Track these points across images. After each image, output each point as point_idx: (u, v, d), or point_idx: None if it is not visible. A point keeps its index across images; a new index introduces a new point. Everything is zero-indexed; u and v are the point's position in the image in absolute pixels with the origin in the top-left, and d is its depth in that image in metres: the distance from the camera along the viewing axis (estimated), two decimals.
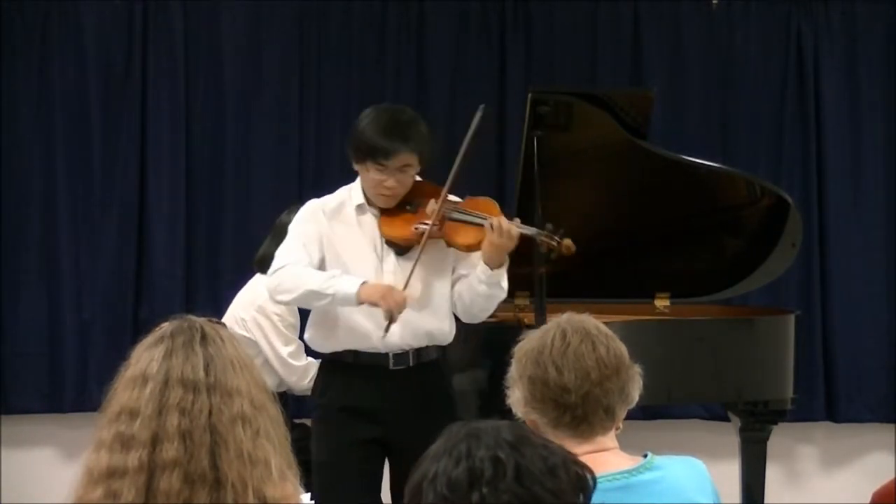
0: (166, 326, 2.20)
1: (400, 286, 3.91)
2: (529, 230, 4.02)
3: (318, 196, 4.12)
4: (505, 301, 5.11)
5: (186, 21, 5.90)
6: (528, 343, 2.42)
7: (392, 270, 3.99)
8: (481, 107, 4.10)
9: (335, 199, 4.07)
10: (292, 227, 4.06)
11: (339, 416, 3.96)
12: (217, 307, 4.72)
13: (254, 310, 4.75)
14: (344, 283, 3.88)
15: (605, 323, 2.49)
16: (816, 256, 5.99)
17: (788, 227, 5.07)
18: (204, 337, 2.16)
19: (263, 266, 4.39)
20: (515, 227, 3.93)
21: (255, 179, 5.87)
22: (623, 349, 2.42)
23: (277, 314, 4.75)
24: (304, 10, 5.96)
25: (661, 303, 5.19)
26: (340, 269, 3.96)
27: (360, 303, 3.86)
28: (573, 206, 4.97)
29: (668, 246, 5.16)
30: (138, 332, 2.31)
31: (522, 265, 4.78)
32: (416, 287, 3.94)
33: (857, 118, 6.06)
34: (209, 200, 5.90)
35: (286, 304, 4.16)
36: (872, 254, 6.03)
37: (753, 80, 6.04)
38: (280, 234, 4.22)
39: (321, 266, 3.97)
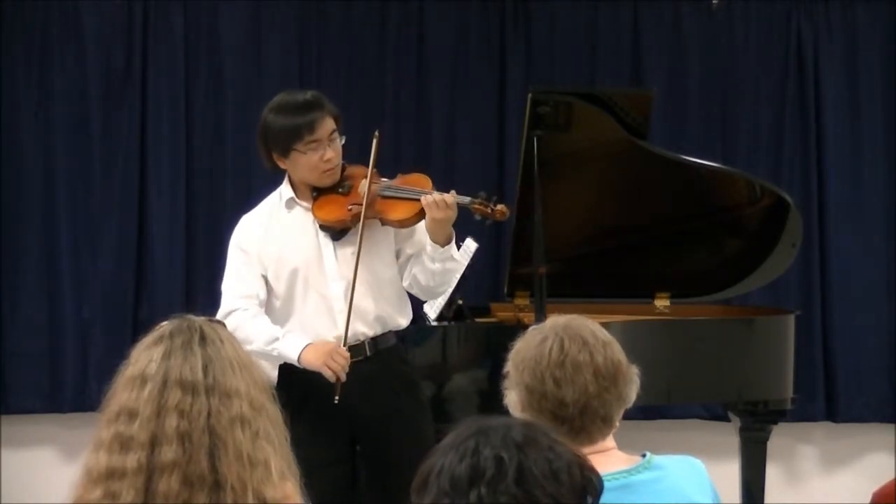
0: (165, 326, 2.20)
1: (348, 273, 3.91)
2: (463, 199, 3.97)
3: None
4: (505, 301, 5.15)
5: (186, 21, 5.89)
6: (525, 348, 2.40)
7: (333, 257, 3.99)
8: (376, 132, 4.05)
9: (266, 205, 4.11)
10: (230, 253, 4.07)
11: (301, 419, 3.78)
12: (217, 307, 4.71)
13: None
14: (287, 347, 3.90)
15: (605, 323, 2.48)
16: (816, 256, 5.98)
17: (788, 227, 5.07)
18: (203, 337, 2.16)
19: None
20: (452, 197, 3.91)
21: (255, 179, 5.84)
22: (621, 356, 2.40)
23: None
24: (304, 10, 5.95)
25: (661, 303, 5.19)
26: (286, 273, 3.97)
27: (304, 367, 3.88)
28: (573, 205, 4.98)
29: (668, 246, 5.16)
30: (138, 332, 2.30)
31: (522, 265, 4.79)
32: (363, 273, 3.94)
33: (857, 118, 6.05)
34: (209, 200, 5.89)
35: None
36: (872, 254, 6.02)
37: (753, 80, 6.04)
38: None
39: (268, 284, 4.00)
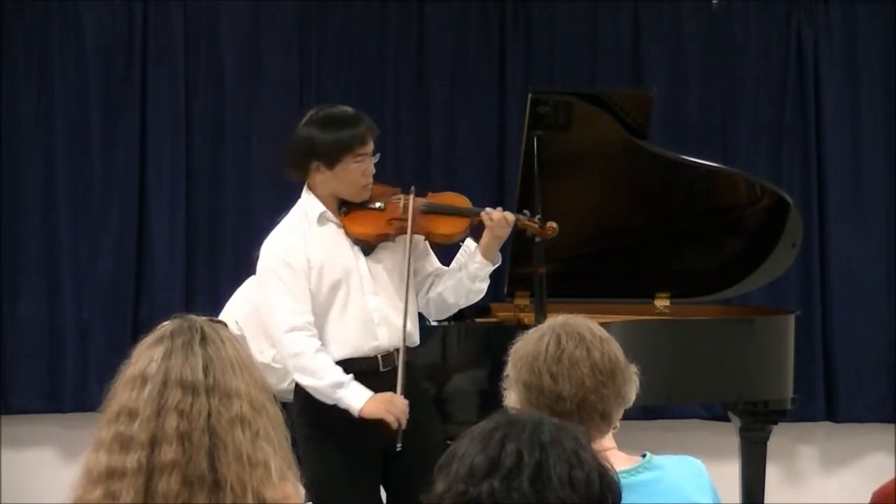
0: (167, 326, 2.19)
1: (379, 288, 3.96)
2: (514, 215, 4.08)
3: None
4: (505, 301, 5.15)
5: (186, 21, 5.89)
6: (523, 347, 2.41)
7: (367, 272, 3.99)
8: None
9: (293, 221, 4.03)
10: (273, 270, 3.94)
11: (336, 430, 3.87)
12: (217, 307, 4.70)
13: (248, 306, 4.71)
14: (350, 397, 3.86)
15: (605, 323, 2.48)
16: (816, 256, 5.99)
17: (788, 227, 5.07)
18: (204, 338, 2.16)
19: None
20: (511, 214, 4.01)
21: (255, 179, 5.86)
22: (618, 352, 2.41)
23: None
24: (304, 10, 5.95)
25: (661, 303, 5.19)
26: (327, 286, 3.93)
27: (363, 417, 3.86)
28: (573, 206, 4.97)
29: (668, 246, 5.15)
30: (138, 332, 2.30)
31: (522, 265, 4.79)
32: (401, 290, 3.97)
33: (857, 118, 6.05)
34: (209, 200, 5.89)
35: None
36: (872, 254, 6.02)
37: (753, 80, 6.04)
38: None
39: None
